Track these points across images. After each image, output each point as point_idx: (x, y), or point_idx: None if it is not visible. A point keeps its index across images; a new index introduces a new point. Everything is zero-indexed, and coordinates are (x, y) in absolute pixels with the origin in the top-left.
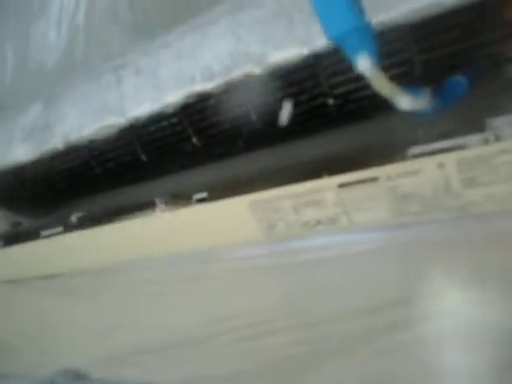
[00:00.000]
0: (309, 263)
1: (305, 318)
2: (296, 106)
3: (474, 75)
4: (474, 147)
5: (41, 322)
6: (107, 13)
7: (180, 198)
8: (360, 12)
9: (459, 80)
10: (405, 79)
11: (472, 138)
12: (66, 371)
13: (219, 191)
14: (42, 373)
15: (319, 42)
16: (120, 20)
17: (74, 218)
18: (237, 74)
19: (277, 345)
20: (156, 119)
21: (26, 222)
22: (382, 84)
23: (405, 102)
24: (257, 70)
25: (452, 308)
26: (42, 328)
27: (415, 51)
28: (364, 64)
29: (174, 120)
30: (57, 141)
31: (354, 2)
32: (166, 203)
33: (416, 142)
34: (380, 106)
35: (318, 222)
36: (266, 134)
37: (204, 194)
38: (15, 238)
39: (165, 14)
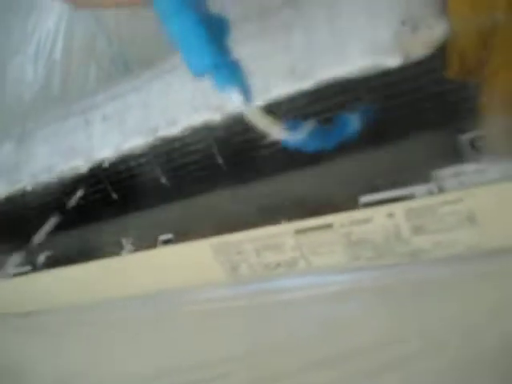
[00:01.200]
0: (272, 305)
1: (267, 367)
2: (257, 149)
3: (367, 116)
4: (421, 197)
5: (10, 359)
6: (84, 48)
7: (146, 239)
8: (223, 49)
9: (349, 119)
10: None
11: (418, 189)
12: None
13: (184, 232)
14: None
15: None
16: (97, 55)
17: (42, 257)
18: (199, 120)
19: None
20: (124, 160)
21: None
22: (255, 117)
23: (281, 134)
24: (217, 118)
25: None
26: (11, 365)
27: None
28: (235, 98)
29: (142, 160)
30: (26, 180)
31: (215, 40)
32: (133, 244)
33: (366, 191)
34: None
35: (278, 265)
36: (230, 174)
37: (170, 236)
38: None
39: (143, 50)
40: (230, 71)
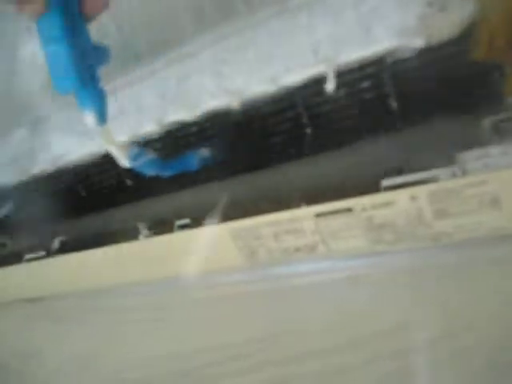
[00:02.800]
0: (291, 289)
1: (286, 351)
2: (274, 135)
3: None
4: (444, 180)
5: (24, 345)
6: (95, 33)
7: (162, 224)
8: (87, 76)
9: (191, 157)
10: None
11: (442, 172)
12: None
13: (201, 217)
14: None
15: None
16: (109, 41)
17: (56, 243)
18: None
19: (253, 380)
20: (140, 145)
21: (10, 244)
22: (106, 140)
23: (122, 160)
24: (234, 104)
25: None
26: (25, 352)
27: None
28: (89, 120)
29: (158, 145)
30: (42, 166)
31: (83, 66)
32: (149, 229)
33: (389, 174)
34: (355, 137)
35: (297, 250)
36: (246, 160)
37: (186, 221)
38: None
39: (154, 38)
40: (88, 95)
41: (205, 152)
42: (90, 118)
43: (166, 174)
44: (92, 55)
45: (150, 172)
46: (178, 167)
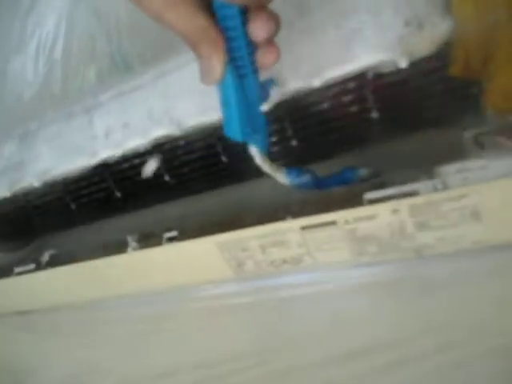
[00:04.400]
0: (278, 301)
1: (274, 362)
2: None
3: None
4: (425, 194)
5: (13, 358)
6: (84, 47)
7: (151, 237)
8: (250, 129)
9: (351, 172)
10: None
11: (423, 185)
12: None
13: (189, 229)
14: None
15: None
16: (97, 54)
17: (46, 256)
18: (203, 120)
19: None
20: (128, 158)
21: (0, 256)
22: (266, 165)
23: (282, 179)
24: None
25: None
26: (10, 367)
27: None
28: (254, 152)
29: (145, 158)
30: (30, 179)
31: (246, 122)
32: (138, 241)
33: (371, 187)
34: (337, 149)
35: (284, 262)
36: (233, 172)
37: (174, 233)
38: None
39: (142, 50)
40: (255, 139)
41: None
42: (254, 151)
43: (322, 188)
44: (259, 98)
45: (307, 188)
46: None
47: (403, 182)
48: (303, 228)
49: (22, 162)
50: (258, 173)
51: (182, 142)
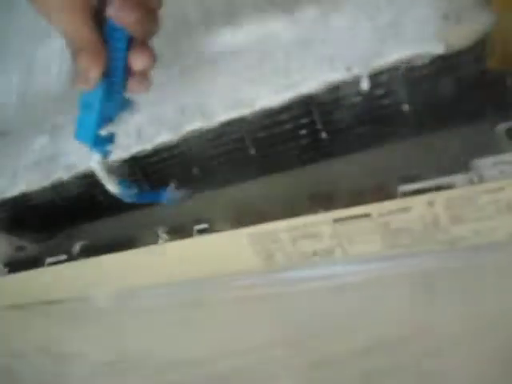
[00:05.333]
0: (308, 292)
1: (304, 354)
2: (293, 139)
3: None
4: (461, 187)
5: (43, 348)
6: None
7: (181, 229)
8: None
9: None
10: None
11: (458, 178)
12: None
13: (219, 222)
14: None
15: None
16: None
17: (77, 247)
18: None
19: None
20: (158, 151)
21: (29, 247)
22: (101, 173)
23: (112, 188)
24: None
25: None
26: (45, 354)
27: None
28: (94, 158)
29: (176, 151)
30: (61, 172)
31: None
32: (168, 234)
33: (405, 180)
34: (370, 143)
35: (315, 253)
36: (263, 164)
37: (205, 225)
38: (20, 264)
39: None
40: (99, 150)
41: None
42: (95, 160)
43: (142, 201)
44: (118, 111)
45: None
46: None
47: (438, 175)
48: (336, 220)
49: (52, 156)
50: (289, 165)
51: (210, 136)
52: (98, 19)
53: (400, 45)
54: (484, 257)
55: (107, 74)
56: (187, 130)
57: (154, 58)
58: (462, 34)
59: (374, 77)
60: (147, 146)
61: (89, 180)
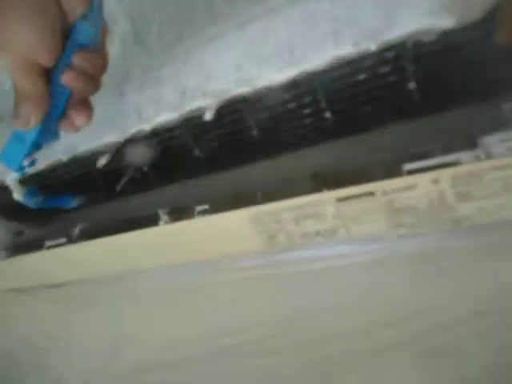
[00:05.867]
0: (307, 273)
1: (305, 332)
2: (296, 119)
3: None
4: (467, 164)
5: (45, 330)
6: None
7: (182, 210)
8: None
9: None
10: None
11: (464, 155)
12: None
13: (220, 202)
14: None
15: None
16: (120, 35)
17: (77, 229)
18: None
19: (278, 362)
20: (158, 132)
21: (27, 231)
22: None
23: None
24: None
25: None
26: (46, 337)
27: None
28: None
29: (177, 133)
30: (61, 153)
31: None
32: (169, 215)
33: (410, 158)
34: (375, 121)
35: (318, 234)
36: (266, 145)
37: (206, 206)
38: (19, 248)
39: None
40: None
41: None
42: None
43: (45, 206)
44: (46, 143)
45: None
46: (56, 203)
47: (443, 153)
48: (339, 200)
49: None
50: (292, 146)
51: (212, 117)
52: (47, 74)
53: (408, 18)
54: (486, 237)
55: (44, 119)
56: (188, 111)
57: (91, 114)
58: (475, 5)
59: (381, 53)
60: (147, 126)
61: (87, 162)
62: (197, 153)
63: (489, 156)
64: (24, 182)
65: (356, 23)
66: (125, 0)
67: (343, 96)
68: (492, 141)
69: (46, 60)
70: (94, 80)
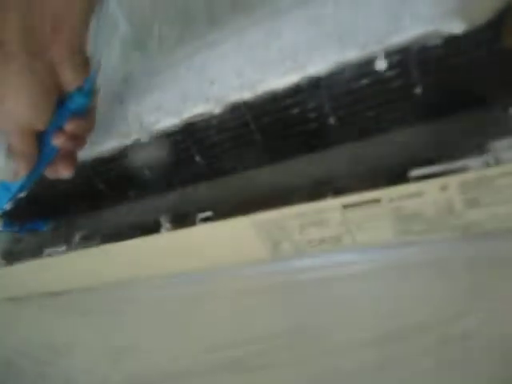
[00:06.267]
0: (313, 282)
1: (310, 344)
2: (299, 124)
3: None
4: (476, 170)
5: (45, 340)
6: (106, 30)
7: (185, 217)
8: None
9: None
10: None
11: (473, 161)
12: None
13: (223, 209)
14: None
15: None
16: (120, 36)
17: (77, 237)
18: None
19: (281, 376)
20: (160, 137)
21: (26, 239)
22: None
23: None
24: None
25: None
26: (46, 346)
27: None
28: None
29: (178, 138)
30: None
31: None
32: (171, 222)
33: (417, 164)
34: (380, 127)
35: (322, 241)
36: (270, 150)
37: (209, 213)
38: (18, 255)
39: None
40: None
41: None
42: None
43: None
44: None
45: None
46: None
47: (451, 159)
48: (345, 206)
49: None
50: (296, 151)
51: (214, 121)
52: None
53: (416, 22)
54: (496, 245)
55: (31, 171)
56: (189, 116)
57: (75, 165)
58: (482, 8)
59: (388, 57)
60: (147, 133)
61: (86, 168)
62: (198, 159)
63: (498, 162)
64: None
65: (361, 27)
66: (125, 4)
67: (347, 101)
68: (501, 146)
69: (40, 126)
70: (81, 140)
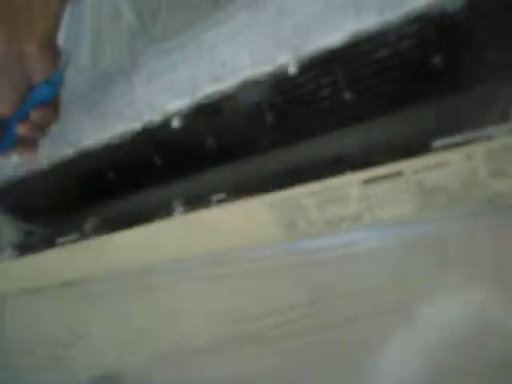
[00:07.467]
0: (330, 261)
1: (327, 319)
2: (314, 102)
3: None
4: (500, 138)
5: (62, 329)
6: (111, 22)
7: (198, 200)
8: None
9: None
10: None
11: (497, 129)
12: (97, 378)
13: (237, 191)
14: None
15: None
16: (124, 28)
17: (89, 225)
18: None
19: (300, 346)
20: (168, 122)
21: (38, 232)
22: None
23: None
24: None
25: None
26: (64, 336)
27: None
28: None
29: (188, 122)
30: (69, 148)
31: None
32: (184, 206)
33: (439, 135)
34: (398, 100)
35: (342, 219)
36: (284, 130)
37: (222, 195)
38: (30, 247)
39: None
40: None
41: None
42: None
43: None
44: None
45: None
46: None
47: (475, 127)
48: (365, 182)
49: (59, 131)
50: (310, 132)
51: (226, 102)
52: None
53: None
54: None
55: None
56: (200, 97)
57: (36, 151)
58: None
59: (404, 26)
60: (157, 115)
61: (97, 156)
62: (211, 140)
63: None
64: None
65: None
66: None
67: (365, 74)
68: None
69: (5, 113)
70: (44, 129)
